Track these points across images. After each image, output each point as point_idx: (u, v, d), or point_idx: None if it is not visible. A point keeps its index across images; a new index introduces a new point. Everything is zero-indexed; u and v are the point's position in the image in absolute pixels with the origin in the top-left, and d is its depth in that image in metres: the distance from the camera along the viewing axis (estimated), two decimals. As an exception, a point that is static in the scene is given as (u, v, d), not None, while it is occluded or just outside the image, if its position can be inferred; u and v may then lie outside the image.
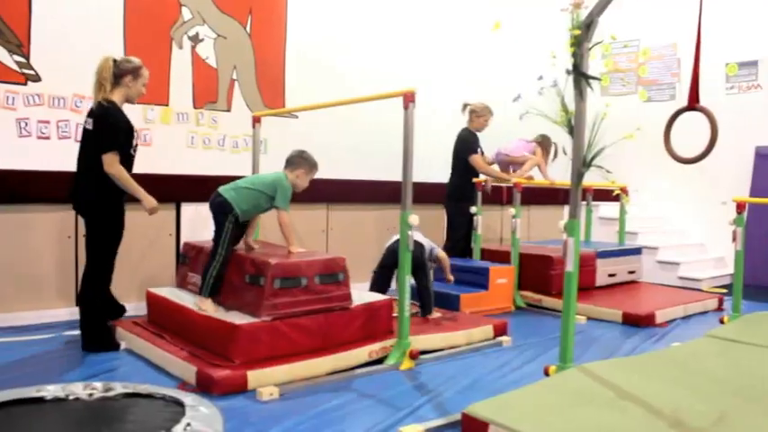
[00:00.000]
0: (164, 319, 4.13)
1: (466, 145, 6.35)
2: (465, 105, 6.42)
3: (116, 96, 3.98)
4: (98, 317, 4.05)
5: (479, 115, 6.34)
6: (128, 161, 4.01)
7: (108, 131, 3.88)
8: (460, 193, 6.29)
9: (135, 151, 4.11)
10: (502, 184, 6.72)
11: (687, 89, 7.67)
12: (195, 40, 5.93)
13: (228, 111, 6.12)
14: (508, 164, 6.53)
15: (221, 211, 4.02)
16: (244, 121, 5.83)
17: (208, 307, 3.84)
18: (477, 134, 6.43)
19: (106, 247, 3.99)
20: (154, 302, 4.29)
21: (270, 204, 4.12)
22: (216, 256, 3.95)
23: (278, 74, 6.46)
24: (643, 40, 8.97)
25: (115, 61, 4.01)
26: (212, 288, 3.92)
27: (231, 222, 4.00)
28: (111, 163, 3.87)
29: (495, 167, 6.57)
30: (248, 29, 6.25)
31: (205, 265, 4.01)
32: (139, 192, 3.97)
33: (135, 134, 4.09)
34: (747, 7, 7.87)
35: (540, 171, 6.51)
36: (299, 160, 4.21)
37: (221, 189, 4.10)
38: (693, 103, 3.37)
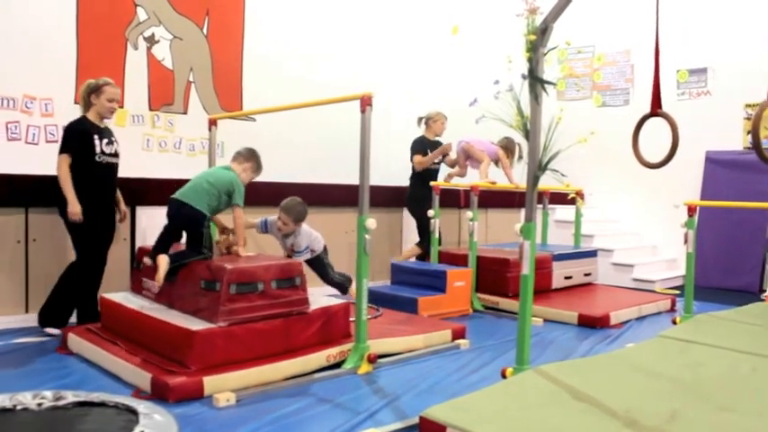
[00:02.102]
0: (118, 325, 4.05)
1: (413, 149, 6.60)
2: (420, 119, 6.67)
3: (91, 114, 4.50)
4: (64, 298, 4.47)
5: (435, 120, 6.62)
6: (95, 168, 4.42)
7: (62, 138, 4.42)
8: (413, 195, 6.42)
9: (103, 158, 4.45)
10: (458, 186, 6.76)
11: (641, 95, 7.84)
12: (151, 41, 5.84)
13: (185, 113, 6.04)
14: (467, 156, 6.58)
15: (195, 222, 3.97)
16: (200, 123, 5.75)
17: (162, 261, 3.89)
18: (436, 139, 6.64)
19: (86, 247, 4.41)
20: (107, 308, 4.20)
21: (226, 205, 4.15)
22: (199, 253, 3.92)
23: (235, 76, 6.40)
24: (598, 47, 9.12)
25: (89, 84, 4.49)
26: (178, 266, 3.92)
27: (206, 227, 4.01)
28: (58, 163, 4.36)
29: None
30: (205, 30, 6.19)
31: (183, 251, 3.97)
32: (69, 195, 4.31)
33: (101, 141, 4.45)
34: (697, 15, 8.06)
35: (506, 174, 6.57)
36: (249, 155, 4.31)
37: (181, 196, 4.05)
38: (655, 109, 3.43)
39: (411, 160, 6.60)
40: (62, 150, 4.37)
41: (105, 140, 4.50)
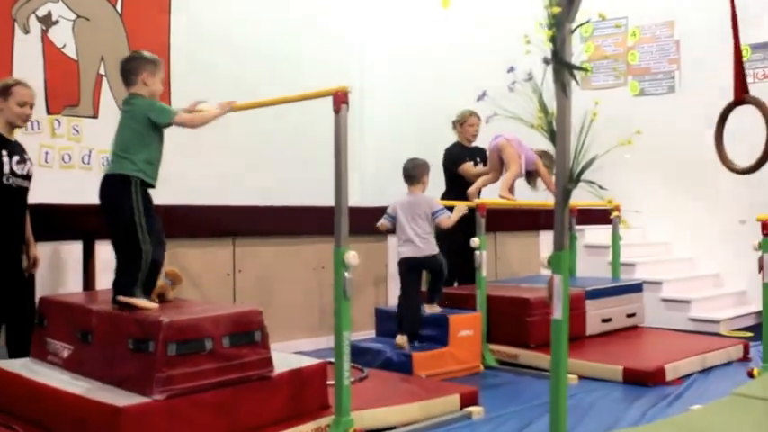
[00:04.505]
0: (14, 403, 3.99)
1: (448, 159, 7.02)
2: (453, 123, 7.13)
3: None
4: None
5: (461, 122, 7.03)
6: (2, 194, 4.38)
7: None
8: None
9: (13, 180, 4.45)
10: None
11: (690, 79, 7.93)
12: (47, 21, 5.86)
13: (95, 117, 6.07)
14: (500, 156, 6.69)
15: (114, 192, 3.96)
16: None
17: (141, 302, 3.87)
18: (474, 145, 7.12)
19: None
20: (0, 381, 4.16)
21: (160, 136, 4.10)
22: (137, 252, 3.91)
23: (161, 67, 6.42)
24: (632, 19, 9.24)
25: None
26: (139, 287, 3.93)
27: (137, 193, 3.94)
28: None
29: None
30: (119, 8, 6.21)
31: (125, 257, 3.97)
32: None
33: (10, 158, 4.43)
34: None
35: (550, 191, 6.63)
36: (134, 64, 4.15)
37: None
38: (740, 95, 3.48)
39: (448, 172, 6.90)
40: None
41: (16, 157, 4.50)
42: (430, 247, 5.64)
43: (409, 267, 5.69)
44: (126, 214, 3.92)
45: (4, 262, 4.44)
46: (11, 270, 4.49)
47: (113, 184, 3.99)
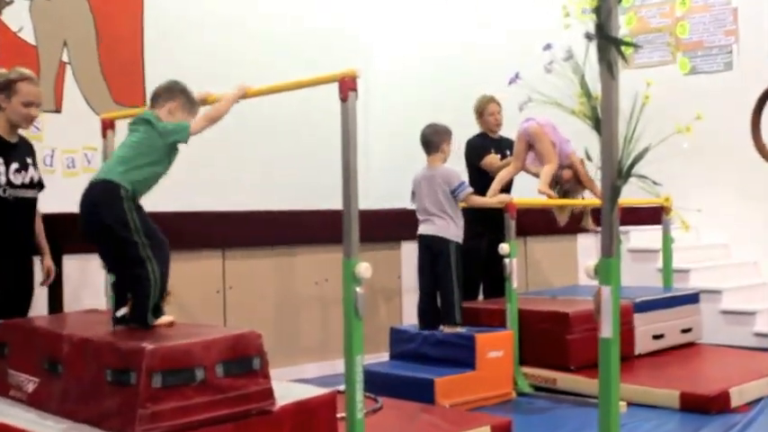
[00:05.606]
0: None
1: (470, 152, 7.07)
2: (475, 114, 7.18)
3: None
4: None
5: (480, 112, 7.08)
6: (4, 207, 4.41)
7: None
8: (471, 215, 6.50)
9: (11, 192, 4.46)
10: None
11: (751, 53, 7.95)
12: (0, 2, 5.86)
13: (58, 111, 6.06)
14: (530, 144, 6.71)
15: (109, 200, 3.89)
16: (84, 126, 5.77)
17: (161, 321, 3.98)
18: (500, 136, 7.19)
19: None
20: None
21: (168, 162, 4.07)
22: (143, 264, 3.88)
23: (134, 54, 6.42)
24: (681, -15, 9.23)
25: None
26: (156, 309, 3.97)
27: (130, 209, 3.89)
28: None
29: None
30: (85, -16, 6.22)
31: (132, 284, 3.97)
32: None
33: (8, 165, 4.43)
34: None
35: (590, 189, 6.70)
36: (171, 90, 4.21)
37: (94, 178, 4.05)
38: None
39: (470, 168, 6.95)
40: None
41: (15, 164, 4.49)
42: (445, 229, 5.76)
43: (422, 247, 5.90)
44: (119, 233, 3.87)
45: (14, 279, 4.49)
46: (21, 286, 4.57)
47: (97, 194, 3.92)
